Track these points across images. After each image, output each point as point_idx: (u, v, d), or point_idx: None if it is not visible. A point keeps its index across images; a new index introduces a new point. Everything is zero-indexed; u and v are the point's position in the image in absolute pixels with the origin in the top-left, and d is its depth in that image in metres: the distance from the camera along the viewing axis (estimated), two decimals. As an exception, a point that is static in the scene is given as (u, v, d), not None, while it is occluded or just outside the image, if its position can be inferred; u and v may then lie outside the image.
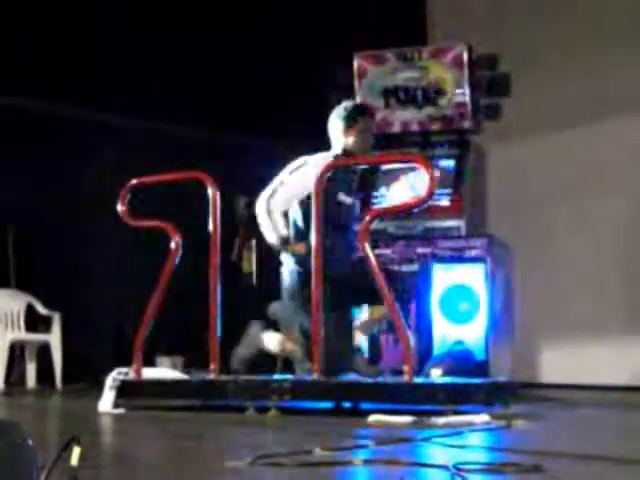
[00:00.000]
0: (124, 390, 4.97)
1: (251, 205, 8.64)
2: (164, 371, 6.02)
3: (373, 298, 4.88)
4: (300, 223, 5.37)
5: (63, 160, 7.97)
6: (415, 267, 6.57)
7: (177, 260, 5.21)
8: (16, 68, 7.72)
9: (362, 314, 6.10)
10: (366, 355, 6.07)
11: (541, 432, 4.04)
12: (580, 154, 7.87)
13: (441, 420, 4.15)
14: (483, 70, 7.04)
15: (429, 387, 4.67)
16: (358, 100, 6.86)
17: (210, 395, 5.04)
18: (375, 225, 5.82)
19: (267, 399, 4.69)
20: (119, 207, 5.31)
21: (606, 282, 7.75)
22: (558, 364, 7.83)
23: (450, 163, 6.90)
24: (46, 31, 7.91)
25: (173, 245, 5.20)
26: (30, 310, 7.69)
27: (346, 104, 5.63)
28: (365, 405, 4.65)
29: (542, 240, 7.89)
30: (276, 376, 5.20)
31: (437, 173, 5.79)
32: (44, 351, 7.60)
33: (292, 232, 5.43)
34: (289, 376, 5.15)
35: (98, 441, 3.57)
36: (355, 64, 7.15)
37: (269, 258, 8.11)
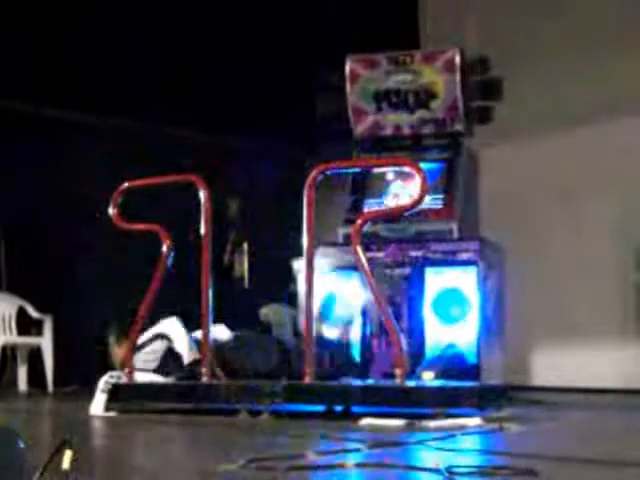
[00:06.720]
0: (116, 393, 4.96)
1: (243, 207, 8.66)
2: (156, 375, 6.00)
3: None
4: None
5: (54, 162, 7.96)
6: (407, 270, 6.58)
7: (169, 263, 5.20)
8: (5, 69, 7.70)
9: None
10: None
11: (533, 435, 4.04)
12: (573, 156, 7.89)
13: (433, 423, 4.15)
14: (475, 74, 7.05)
15: (421, 390, 4.67)
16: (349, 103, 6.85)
17: (202, 398, 5.03)
18: (367, 228, 5.82)
19: (259, 402, 4.68)
20: (110, 210, 5.29)
21: (600, 285, 7.75)
22: (550, 367, 7.84)
23: (442, 166, 6.90)
24: (37, 33, 7.90)
25: (164, 248, 5.18)
26: (22, 313, 7.67)
27: None
28: (357, 408, 4.64)
29: (535, 243, 7.90)
30: (268, 379, 5.18)
31: (429, 176, 5.79)
32: (36, 354, 7.58)
33: None
34: (281, 379, 5.14)
35: (90, 444, 3.56)
36: (347, 67, 7.15)
37: (260, 262, 8.11)
